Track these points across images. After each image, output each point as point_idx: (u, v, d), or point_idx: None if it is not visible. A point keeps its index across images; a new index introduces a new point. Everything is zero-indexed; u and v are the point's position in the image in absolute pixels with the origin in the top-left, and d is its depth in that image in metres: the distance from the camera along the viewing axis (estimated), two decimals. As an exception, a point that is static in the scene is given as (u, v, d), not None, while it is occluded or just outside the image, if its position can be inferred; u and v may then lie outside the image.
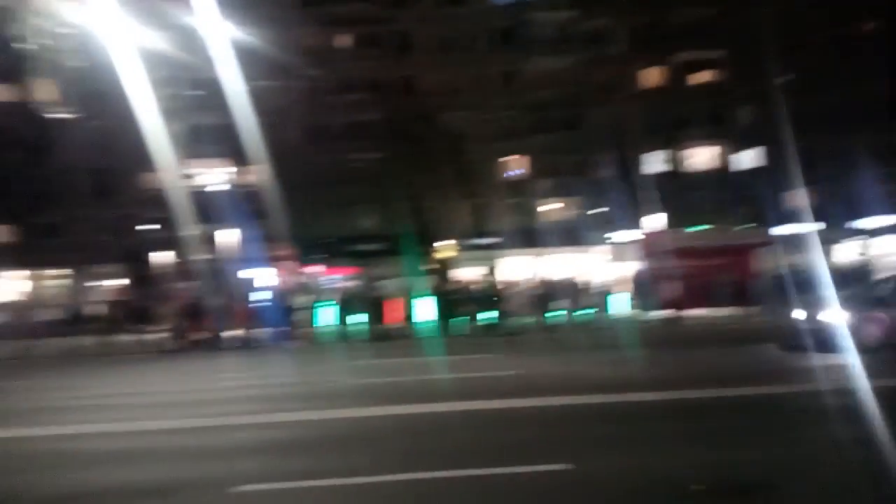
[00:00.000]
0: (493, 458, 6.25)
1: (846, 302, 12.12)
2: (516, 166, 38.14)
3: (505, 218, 34.50)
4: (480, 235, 34.75)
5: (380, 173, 32.86)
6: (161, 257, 32.99)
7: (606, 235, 33.29)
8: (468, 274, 31.13)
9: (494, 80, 36.89)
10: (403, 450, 6.84)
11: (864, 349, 10.74)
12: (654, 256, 23.58)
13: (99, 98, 30.93)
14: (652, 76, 37.51)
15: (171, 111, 29.27)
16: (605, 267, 29.77)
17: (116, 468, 6.67)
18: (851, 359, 9.70)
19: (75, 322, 25.48)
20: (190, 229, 29.35)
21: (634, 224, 31.65)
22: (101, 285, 34.78)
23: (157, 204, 31.90)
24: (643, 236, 29.37)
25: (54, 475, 6.48)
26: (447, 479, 5.76)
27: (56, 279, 36.97)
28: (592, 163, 34.02)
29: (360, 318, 20.52)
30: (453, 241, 34.60)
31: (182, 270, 26.93)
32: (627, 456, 6.19)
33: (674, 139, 36.71)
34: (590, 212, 34.70)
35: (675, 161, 37.41)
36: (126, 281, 34.18)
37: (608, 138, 33.33)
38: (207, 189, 33.96)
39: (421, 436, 7.42)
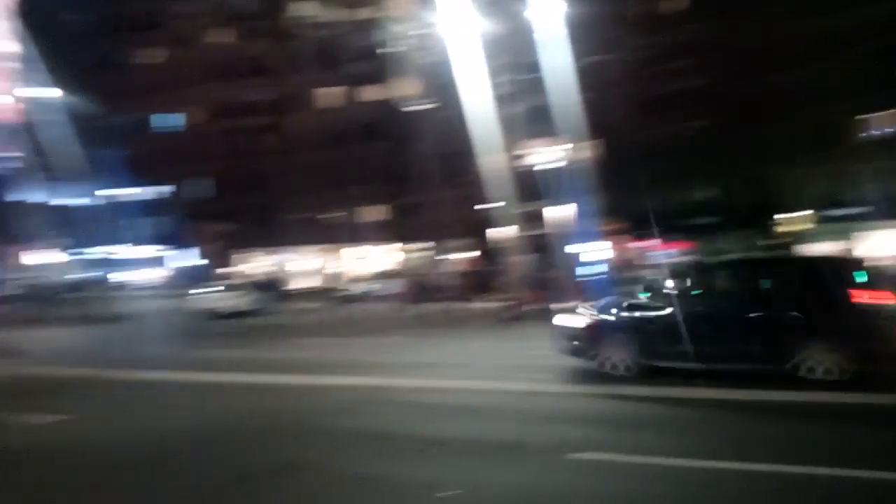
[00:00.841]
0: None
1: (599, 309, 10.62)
2: (881, 123, 32.77)
3: (867, 185, 30.00)
4: (836, 205, 30.77)
5: (716, 142, 31.04)
6: (502, 232, 35.73)
7: None
8: (822, 249, 27.83)
9: (842, 28, 31.99)
10: (742, 437, 6.65)
11: (616, 378, 9.63)
12: None
13: (446, 89, 34.52)
14: None
15: (508, 95, 31.40)
16: None
17: (468, 422, 7.77)
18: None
19: (428, 291, 29.01)
20: (526, 206, 31.23)
21: None
22: (454, 257, 38.99)
23: (497, 183, 34.65)
24: None
25: (416, 422, 7.80)
26: (784, 474, 5.48)
27: (419, 251, 42.47)
28: None
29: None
30: (807, 213, 31.14)
31: (519, 245, 28.94)
32: None
33: None
34: None
35: None
36: (475, 254, 37.80)
37: None
38: (542, 167, 35.70)
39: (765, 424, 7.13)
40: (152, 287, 38.74)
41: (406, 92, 39.97)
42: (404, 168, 39.77)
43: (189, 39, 47.16)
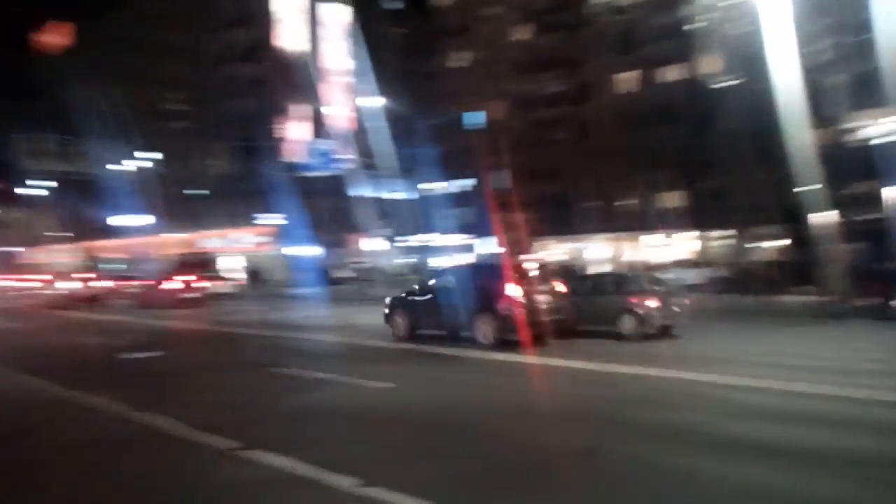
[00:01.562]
0: None
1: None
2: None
3: None
4: None
5: None
6: (823, 217, 32.03)
7: None
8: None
9: None
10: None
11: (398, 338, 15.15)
12: None
13: (757, 62, 31.77)
14: None
15: (828, 62, 27.90)
16: None
17: (768, 424, 7.36)
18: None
19: (737, 281, 27.16)
20: (854, 187, 27.57)
21: None
22: (761, 245, 35.98)
23: (813, 162, 31.01)
24: None
25: (718, 420, 7.58)
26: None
27: (721, 239, 39.99)
28: None
29: None
30: None
31: (846, 231, 25.61)
32: None
33: None
34: None
35: None
36: (786, 241, 34.44)
37: None
38: (874, 141, 31.12)
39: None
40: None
41: (709, 69, 37.76)
42: (706, 150, 37.61)
43: (493, 40, 50.12)
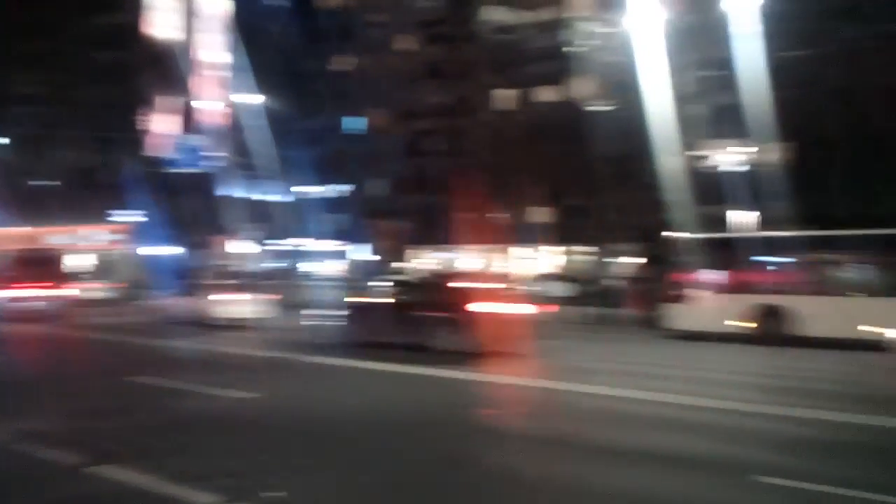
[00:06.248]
0: None
1: None
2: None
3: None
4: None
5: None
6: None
7: None
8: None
9: None
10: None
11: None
12: None
13: (627, 89, 33.60)
14: None
15: (692, 94, 29.99)
16: None
17: (649, 432, 7.60)
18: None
19: (594, 295, 28.34)
20: (712, 209, 29.62)
21: None
22: (620, 262, 37.93)
23: (672, 186, 33.26)
24: None
25: (597, 430, 7.72)
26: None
27: (584, 255, 41.82)
28: None
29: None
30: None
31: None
32: None
33: None
34: None
35: None
36: (643, 259, 36.49)
37: None
38: (722, 169, 33.76)
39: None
40: (334, 278, 41.47)
41: (584, 92, 39.52)
42: (575, 170, 39.29)
43: (377, 47, 49.87)
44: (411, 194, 45.52)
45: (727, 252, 17.05)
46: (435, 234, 43.82)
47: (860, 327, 14.56)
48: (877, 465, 6.36)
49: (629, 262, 37.35)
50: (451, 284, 15.10)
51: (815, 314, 15.08)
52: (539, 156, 40.34)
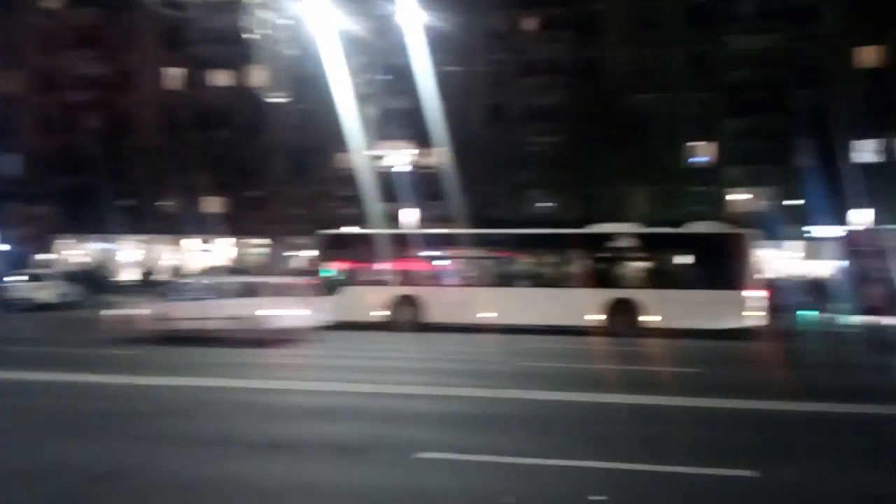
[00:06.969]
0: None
1: None
2: (703, 153, 36.18)
3: (687, 207, 32.84)
4: (656, 224, 33.37)
5: (561, 157, 32.83)
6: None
7: (805, 230, 30.70)
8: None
9: (686, 61, 35.23)
10: (588, 436, 6.95)
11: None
12: (857, 255, 21.33)
13: (305, 84, 33.48)
14: (867, 56, 33.90)
15: (365, 96, 31.02)
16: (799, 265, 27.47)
17: (317, 423, 7.44)
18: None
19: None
20: (375, 206, 31.03)
21: (837, 219, 28.87)
22: (297, 255, 37.82)
23: (347, 182, 34.23)
24: (846, 233, 26.68)
25: (262, 425, 7.33)
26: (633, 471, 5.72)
27: (258, 247, 40.78)
28: (791, 149, 31.45)
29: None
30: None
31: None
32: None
33: (890, 126, 32.95)
34: (784, 203, 32.17)
35: (890, 150, 33.64)
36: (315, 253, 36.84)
37: (812, 123, 30.61)
38: (393, 169, 35.69)
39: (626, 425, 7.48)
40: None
41: (261, 82, 38.33)
42: (250, 160, 38.08)
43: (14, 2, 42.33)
44: (58, 175, 39.55)
45: (372, 247, 18.08)
46: (88, 221, 38.57)
47: (478, 314, 16.61)
48: (521, 433, 7.04)
49: (304, 254, 37.47)
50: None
51: (442, 303, 17.06)
52: (211, 142, 38.15)
